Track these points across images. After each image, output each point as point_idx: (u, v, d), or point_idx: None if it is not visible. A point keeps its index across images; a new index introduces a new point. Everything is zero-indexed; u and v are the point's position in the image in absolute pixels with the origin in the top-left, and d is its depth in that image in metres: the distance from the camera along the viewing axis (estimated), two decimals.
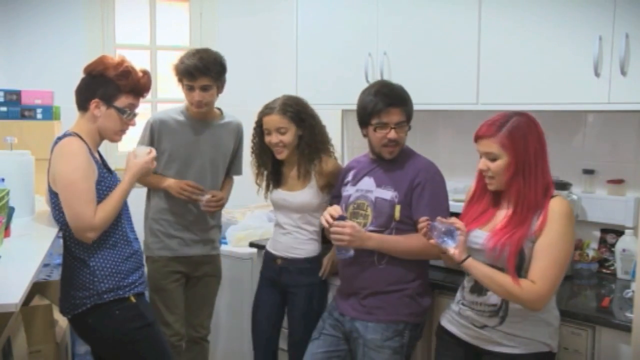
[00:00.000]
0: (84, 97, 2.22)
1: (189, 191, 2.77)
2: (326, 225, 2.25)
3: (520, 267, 1.90)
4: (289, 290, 2.64)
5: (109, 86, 2.20)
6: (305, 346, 2.48)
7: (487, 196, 2.05)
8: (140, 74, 2.25)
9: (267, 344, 2.71)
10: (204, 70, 2.67)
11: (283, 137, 2.52)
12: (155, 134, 2.83)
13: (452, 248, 1.93)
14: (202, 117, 2.84)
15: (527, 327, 1.94)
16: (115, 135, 2.28)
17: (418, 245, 2.22)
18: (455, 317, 2.10)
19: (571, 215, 1.93)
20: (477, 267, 1.92)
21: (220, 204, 2.85)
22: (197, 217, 2.87)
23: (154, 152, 2.34)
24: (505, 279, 1.87)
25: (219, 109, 2.93)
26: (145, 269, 2.87)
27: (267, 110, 2.56)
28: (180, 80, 2.75)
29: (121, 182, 2.24)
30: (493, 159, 1.94)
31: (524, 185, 1.91)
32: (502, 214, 1.99)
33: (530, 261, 1.89)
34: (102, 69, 2.20)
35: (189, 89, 2.73)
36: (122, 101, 2.22)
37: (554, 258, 1.86)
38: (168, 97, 3.96)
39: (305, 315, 2.60)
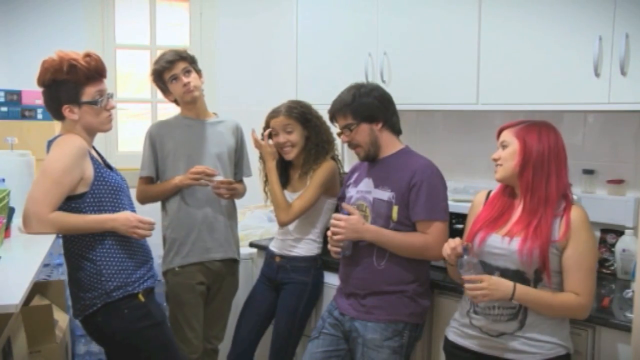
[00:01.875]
0: (54, 109, 2.22)
1: (200, 172, 2.69)
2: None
3: (541, 271, 1.91)
4: (281, 287, 2.71)
5: (67, 87, 2.16)
6: (286, 345, 2.63)
7: (503, 201, 2.05)
8: (86, 60, 2.18)
9: (247, 335, 2.74)
10: (178, 57, 2.76)
11: (290, 136, 2.64)
12: (156, 140, 2.81)
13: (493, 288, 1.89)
14: (197, 116, 2.85)
15: (548, 329, 1.93)
16: (103, 126, 2.26)
17: (415, 241, 2.24)
18: (465, 329, 2.05)
19: (589, 222, 1.97)
20: (530, 295, 1.90)
21: (231, 187, 2.78)
22: (218, 217, 2.82)
23: (146, 226, 2.22)
24: (554, 300, 1.90)
25: (214, 113, 2.93)
26: (163, 284, 2.83)
27: (273, 113, 2.69)
28: (162, 81, 2.78)
29: (100, 217, 2.17)
30: (505, 146, 2.00)
31: (533, 178, 1.94)
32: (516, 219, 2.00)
33: (551, 266, 1.91)
34: (51, 75, 2.16)
35: (174, 80, 2.76)
36: (87, 93, 2.18)
37: (589, 267, 1.92)
38: None
39: (290, 311, 2.66)
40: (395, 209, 2.27)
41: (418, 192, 2.24)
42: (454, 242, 1.97)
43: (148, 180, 2.85)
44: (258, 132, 2.77)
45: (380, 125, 2.32)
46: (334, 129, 2.55)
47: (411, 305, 2.29)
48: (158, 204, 2.87)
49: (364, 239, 2.26)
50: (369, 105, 2.31)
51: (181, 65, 2.75)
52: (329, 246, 2.31)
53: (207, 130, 2.84)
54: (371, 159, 2.37)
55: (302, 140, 2.66)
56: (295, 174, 2.73)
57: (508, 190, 2.06)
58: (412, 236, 2.26)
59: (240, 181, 2.97)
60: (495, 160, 2.04)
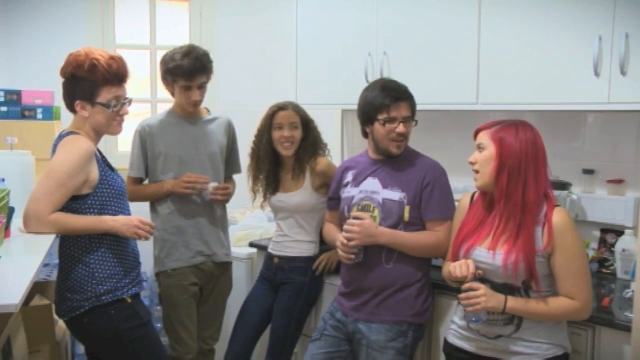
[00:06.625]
0: (68, 101, 2.21)
1: (192, 182, 2.69)
2: (341, 247, 2.26)
3: (529, 281, 1.90)
4: (280, 287, 2.71)
5: (85, 85, 2.16)
6: (283, 345, 2.62)
7: (484, 208, 2.02)
8: (109, 62, 2.16)
9: (246, 335, 2.73)
10: (202, 69, 2.68)
11: (295, 132, 2.65)
12: (147, 140, 2.77)
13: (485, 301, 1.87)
14: (190, 115, 2.81)
15: (544, 330, 1.93)
16: (111, 129, 2.24)
17: (429, 241, 2.25)
18: (463, 332, 2.05)
19: (573, 223, 1.93)
20: (522, 307, 1.89)
21: (227, 192, 2.79)
22: (209, 220, 2.81)
23: (147, 227, 2.22)
24: (548, 309, 1.89)
25: (206, 109, 2.91)
26: (157, 287, 2.84)
27: (281, 106, 2.68)
28: (173, 81, 2.70)
29: (101, 217, 2.16)
30: (482, 149, 1.96)
31: (509, 183, 1.89)
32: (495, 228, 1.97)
33: (539, 273, 1.88)
34: (72, 70, 2.16)
35: (187, 89, 2.70)
36: (104, 96, 2.17)
37: (580, 270, 1.89)
38: (168, 97, 3.95)
39: (286, 311, 2.65)
40: (407, 209, 2.26)
41: (432, 191, 2.26)
42: (467, 270, 1.92)
43: (137, 180, 2.83)
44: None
45: (415, 123, 2.33)
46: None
47: (415, 306, 2.29)
48: (147, 204, 2.86)
49: (379, 242, 2.24)
50: (416, 103, 2.32)
51: (201, 80, 2.69)
52: (340, 253, 2.28)
53: (199, 129, 2.81)
54: (396, 157, 2.33)
55: (300, 141, 2.67)
56: (287, 175, 2.71)
57: (489, 195, 2.01)
58: (424, 235, 2.26)
59: (230, 178, 2.97)
60: (472, 164, 1.98)
